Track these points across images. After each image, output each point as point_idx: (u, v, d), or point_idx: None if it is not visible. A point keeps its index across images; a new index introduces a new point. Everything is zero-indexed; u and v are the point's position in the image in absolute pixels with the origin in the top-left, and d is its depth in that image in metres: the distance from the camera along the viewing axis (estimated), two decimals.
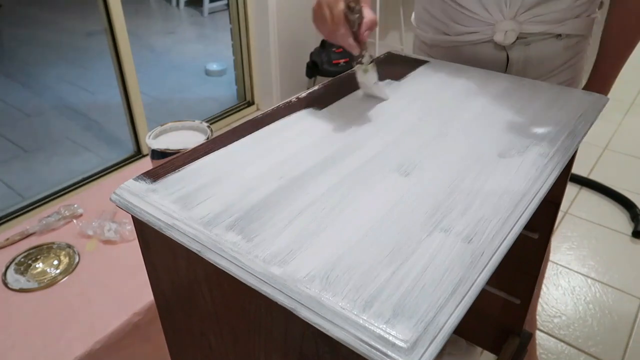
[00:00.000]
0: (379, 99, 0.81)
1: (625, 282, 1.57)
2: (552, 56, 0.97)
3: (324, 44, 2.59)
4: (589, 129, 0.73)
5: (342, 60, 2.52)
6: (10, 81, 3.13)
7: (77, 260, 1.02)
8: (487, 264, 0.48)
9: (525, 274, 1.03)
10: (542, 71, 0.99)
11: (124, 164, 2.22)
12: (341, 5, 0.71)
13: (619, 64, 1.00)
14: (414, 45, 1.14)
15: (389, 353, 0.39)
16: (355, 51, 0.76)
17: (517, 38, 0.93)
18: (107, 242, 1.07)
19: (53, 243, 1.06)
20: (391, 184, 0.59)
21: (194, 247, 0.51)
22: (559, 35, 0.94)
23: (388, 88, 0.83)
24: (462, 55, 1.00)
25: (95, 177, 2.14)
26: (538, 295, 1.43)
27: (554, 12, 0.91)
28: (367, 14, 0.75)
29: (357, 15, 0.73)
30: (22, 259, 1.02)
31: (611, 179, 2.07)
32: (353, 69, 0.81)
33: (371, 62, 0.78)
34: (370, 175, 0.60)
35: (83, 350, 0.84)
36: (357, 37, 0.74)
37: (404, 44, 2.87)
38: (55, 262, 1.02)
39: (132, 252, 1.05)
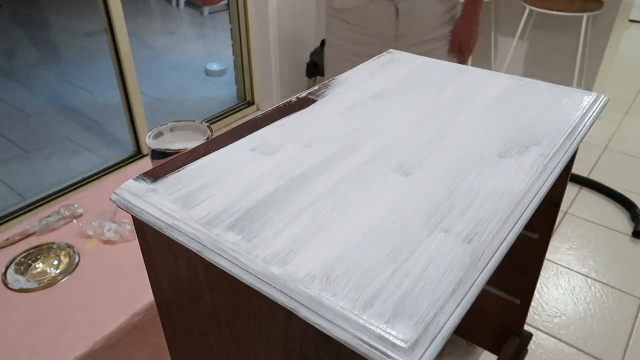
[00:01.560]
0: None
1: (625, 282, 1.57)
2: (431, 9, 1.24)
3: (324, 43, 2.59)
4: (589, 129, 0.73)
5: None
6: (10, 81, 3.13)
7: (77, 260, 1.02)
8: (487, 264, 0.48)
9: (525, 274, 1.03)
10: (426, 23, 1.25)
11: (124, 164, 2.22)
12: None
13: None
14: (327, 16, 1.38)
15: (389, 353, 0.39)
16: None
17: None
18: (107, 242, 1.07)
19: (53, 243, 1.06)
20: (391, 184, 0.59)
21: (194, 247, 0.51)
22: None
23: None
24: (362, 14, 1.27)
25: (95, 177, 2.14)
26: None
27: None
28: None
29: None
30: (22, 259, 1.03)
31: (611, 179, 2.07)
32: None
33: None
34: (370, 175, 0.60)
35: (83, 350, 0.84)
36: None
37: None
38: (55, 262, 1.02)
39: (132, 252, 1.05)
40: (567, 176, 0.91)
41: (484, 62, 3.08)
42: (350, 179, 0.60)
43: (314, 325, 0.43)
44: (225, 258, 0.49)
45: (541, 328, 1.41)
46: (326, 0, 1.35)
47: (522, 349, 1.14)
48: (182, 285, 0.61)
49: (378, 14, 1.23)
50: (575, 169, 2.20)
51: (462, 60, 1.37)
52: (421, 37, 1.25)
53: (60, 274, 0.99)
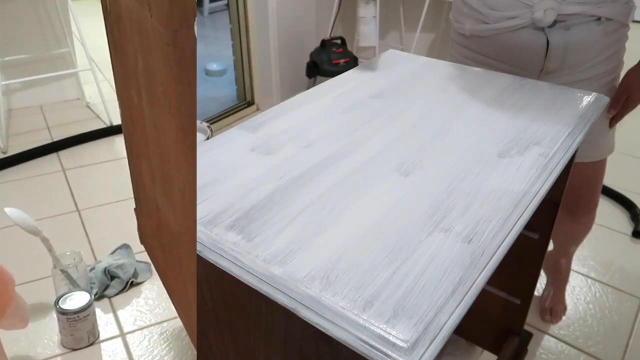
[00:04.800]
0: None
1: (625, 282, 1.57)
2: (592, 42, 0.97)
3: (324, 44, 2.59)
4: (589, 129, 0.73)
5: (342, 60, 2.51)
6: None
7: None
8: (487, 264, 0.48)
9: (525, 274, 1.03)
10: (582, 58, 0.98)
11: None
12: None
13: None
14: (451, 41, 1.14)
15: (389, 353, 0.39)
16: None
17: (557, 21, 0.93)
18: None
19: None
20: (391, 184, 0.59)
21: None
22: (598, 20, 0.94)
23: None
24: (501, 43, 1.00)
25: None
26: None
27: None
28: None
29: None
30: None
31: (611, 179, 2.06)
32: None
33: None
34: (371, 175, 0.60)
35: None
36: None
37: (403, 44, 2.87)
38: None
39: None
40: (567, 176, 0.91)
41: None
42: (350, 179, 0.60)
43: (314, 325, 0.43)
44: (226, 258, 0.49)
45: (541, 328, 1.41)
46: (452, 24, 1.12)
47: (522, 349, 1.14)
48: None
49: (522, 45, 0.98)
50: None
51: (621, 116, 1.08)
52: (571, 76, 1.00)
53: None
